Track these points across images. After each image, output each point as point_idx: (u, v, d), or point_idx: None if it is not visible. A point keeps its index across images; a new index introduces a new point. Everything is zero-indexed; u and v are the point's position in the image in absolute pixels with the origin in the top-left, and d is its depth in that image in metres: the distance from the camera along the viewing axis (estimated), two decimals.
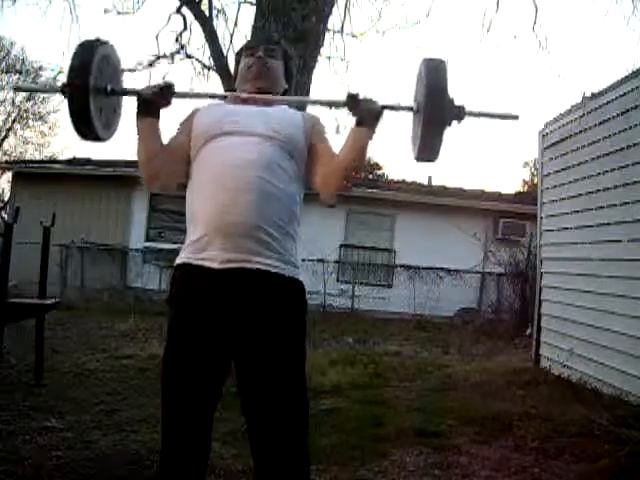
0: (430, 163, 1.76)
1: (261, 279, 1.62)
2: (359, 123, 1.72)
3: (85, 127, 1.71)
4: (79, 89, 1.65)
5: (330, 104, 1.98)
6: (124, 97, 1.87)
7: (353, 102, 1.71)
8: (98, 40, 1.75)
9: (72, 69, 1.67)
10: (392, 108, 1.76)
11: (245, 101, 1.85)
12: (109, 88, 1.75)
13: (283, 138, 1.71)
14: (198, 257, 1.64)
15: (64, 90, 1.67)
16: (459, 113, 1.66)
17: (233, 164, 1.66)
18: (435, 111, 1.62)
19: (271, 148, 1.69)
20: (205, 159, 1.72)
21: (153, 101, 1.74)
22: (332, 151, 1.80)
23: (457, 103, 1.65)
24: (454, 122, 1.66)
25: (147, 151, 1.76)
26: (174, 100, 1.77)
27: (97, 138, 1.76)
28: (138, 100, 1.75)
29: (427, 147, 1.69)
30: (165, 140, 1.80)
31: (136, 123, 1.76)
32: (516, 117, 1.76)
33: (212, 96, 1.96)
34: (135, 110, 1.77)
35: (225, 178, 1.64)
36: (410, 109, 1.76)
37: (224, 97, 2.01)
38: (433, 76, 1.64)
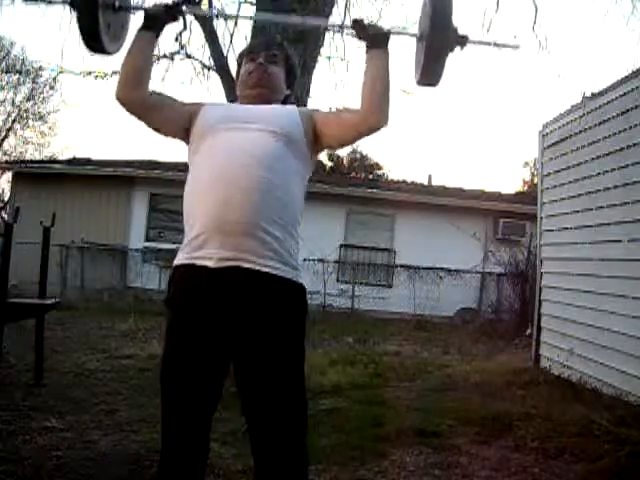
0: (431, 87, 1.78)
1: (258, 280, 1.61)
2: (370, 45, 1.74)
3: (93, 40, 1.74)
4: (88, 2, 1.68)
5: (334, 27, 2.01)
6: (131, 14, 1.91)
7: (359, 25, 1.74)
8: None
9: None
10: (397, 33, 1.80)
11: (247, 102, 1.84)
12: (117, 4, 1.79)
13: (284, 135, 1.70)
14: (194, 256, 1.63)
15: (73, 3, 1.70)
16: (462, 40, 1.69)
17: (232, 161, 1.65)
18: (438, 35, 1.66)
19: (272, 145, 1.68)
20: (204, 156, 1.71)
21: (159, 15, 1.78)
22: (345, 110, 1.81)
23: (460, 32, 1.69)
24: (457, 48, 1.70)
25: (136, 60, 1.78)
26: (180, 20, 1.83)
27: (104, 51, 1.79)
28: (145, 14, 1.79)
29: (430, 71, 1.72)
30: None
31: (135, 34, 1.80)
32: (517, 47, 1.81)
33: (222, 15, 2.02)
34: (140, 23, 1.80)
35: (224, 175, 1.63)
36: (415, 35, 1.80)
37: (240, 17, 2.07)
38: (438, 3, 1.68)
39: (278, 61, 1.91)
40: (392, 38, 1.76)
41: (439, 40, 1.67)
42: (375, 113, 1.72)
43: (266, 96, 1.85)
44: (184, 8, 1.81)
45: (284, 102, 1.93)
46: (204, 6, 6.58)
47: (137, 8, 1.87)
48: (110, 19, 1.76)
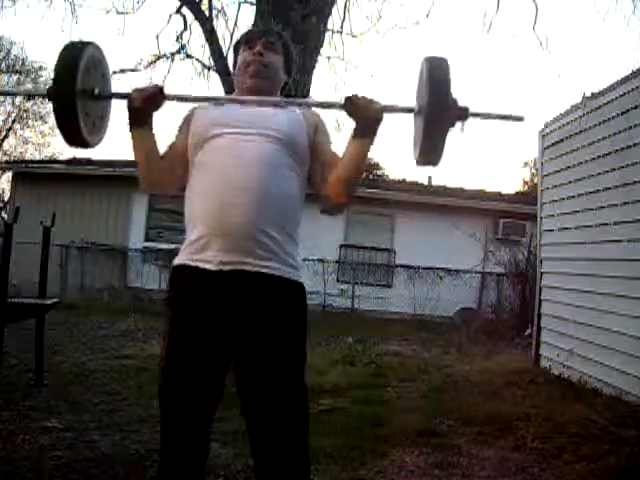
0: (432, 167, 1.68)
1: (260, 281, 1.61)
2: (357, 133, 1.67)
3: (72, 132, 1.66)
4: (65, 92, 1.60)
5: (328, 106, 1.94)
6: (112, 101, 1.81)
7: (351, 105, 1.64)
8: (84, 42, 1.70)
9: (58, 72, 1.61)
10: (392, 110, 1.69)
11: (247, 91, 1.82)
12: (96, 91, 1.69)
13: (284, 137, 1.69)
14: (195, 258, 1.63)
15: (50, 93, 1.62)
16: (463, 114, 1.58)
17: (233, 163, 1.64)
18: (438, 111, 1.54)
19: (272, 147, 1.67)
20: (204, 159, 1.70)
21: (143, 108, 1.69)
22: (336, 157, 1.76)
23: (461, 104, 1.58)
24: (458, 123, 1.59)
25: (144, 161, 1.75)
26: (166, 103, 1.72)
27: (84, 144, 1.71)
28: (128, 110, 1.70)
29: (429, 149, 1.62)
30: (164, 144, 1.79)
31: (130, 135, 1.74)
32: (521, 119, 1.69)
33: (205, 99, 1.92)
34: (126, 121, 1.73)
35: (224, 178, 1.62)
36: (411, 110, 1.69)
37: (219, 99, 1.98)
38: (435, 75, 1.56)
39: (276, 48, 1.87)
40: (388, 111, 1.67)
41: (438, 116, 1.55)
42: (338, 195, 1.74)
43: (265, 87, 1.82)
44: (167, 93, 1.69)
45: (282, 89, 1.92)
46: (204, 6, 6.60)
47: (118, 95, 1.75)
48: (90, 109, 1.67)
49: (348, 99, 1.65)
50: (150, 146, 1.75)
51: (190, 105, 1.86)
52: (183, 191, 1.76)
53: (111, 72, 1.85)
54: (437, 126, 1.56)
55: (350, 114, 1.66)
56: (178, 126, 1.82)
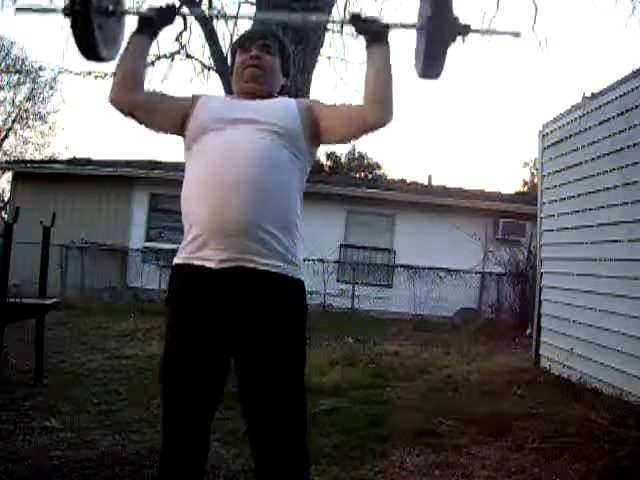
0: (433, 80, 1.73)
1: (259, 278, 1.61)
2: (369, 40, 1.72)
3: (88, 47, 1.74)
4: (81, 9, 1.67)
5: (334, 22, 1.98)
6: (126, 19, 1.90)
7: (358, 20, 1.71)
8: None
9: None
10: (397, 26, 1.76)
11: (245, 97, 1.83)
12: (111, 8, 1.78)
13: (282, 132, 1.69)
14: (195, 257, 1.63)
15: (67, 10, 1.69)
16: (463, 29, 1.65)
17: (229, 160, 1.63)
18: (439, 25, 1.62)
19: (270, 142, 1.67)
20: (200, 153, 1.69)
21: (153, 18, 1.78)
22: (344, 104, 1.78)
23: (461, 21, 1.65)
24: (458, 38, 1.66)
25: (130, 64, 1.78)
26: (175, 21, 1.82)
27: (99, 58, 1.79)
28: (139, 18, 1.79)
29: (431, 62, 1.68)
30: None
31: (130, 38, 1.80)
32: (518, 34, 1.75)
33: (217, 16, 2.00)
34: (135, 27, 1.80)
35: (220, 175, 1.62)
36: (414, 26, 1.76)
37: (234, 17, 2.04)
38: None
39: (272, 50, 1.88)
40: (393, 33, 1.73)
41: (440, 28, 1.62)
42: (380, 108, 1.69)
43: (262, 90, 1.83)
44: (180, 10, 1.82)
45: (280, 91, 1.93)
46: (204, 6, 6.60)
47: (131, 12, 1.87)
48: (104, 25, 1.76)
49: (354, 16, 1.73)
50: (143, 56, 1.82)
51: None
52: (140, 120, 1.79)
53: None
54: (438, 40, 1.64)
55: (357, 27, 1.73)
56: (183, 95, 1.86)
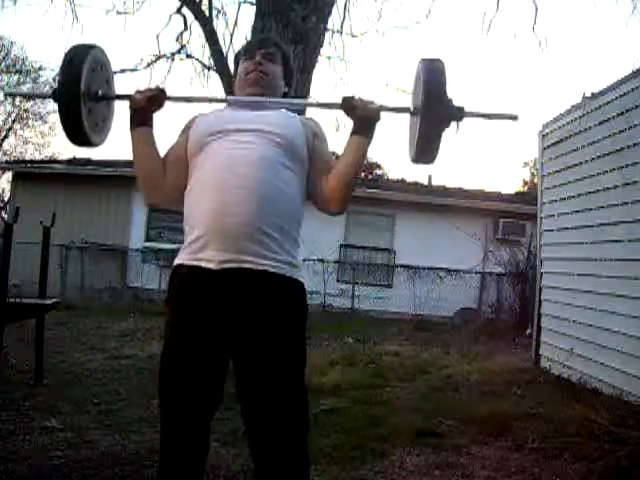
0: (428, 165, 1.74)
1: (259, 279, 1.61)
2: (356, 131, 1.71)
3: (76, 132, 1.71)
4: (70, 94, 1.65)
5: (326, 106, 1.96)
6: (116, 102, 1.87)
7: (349, 105, 1.70)
8: (89, 45, 1.74)
9: (62, 74, 1.66)
10: (389, 109, 1.73)
11: (244, 107, 1.84)
12: (100, 93, 1.75)
13: (283, 140, 1.70)
14: (195, 257, 1.64)
15: (55, 95, 1.67)
16: (458, 114, 1.62)
17: (232, 163, 1.64)
18: (433, 112, 1.59)
19: (271, 149, 1.68)
20: (203, 159, 1.70)
21: (145, 108, 1.74)
22: (334, 162, 1.78)
23: (456, 104, 1.61)
24: (453, 123, 1.63)
25: (145, 164, 1.76)
26: (167, 104, 1.76)
27: (88, 143, 1.76)
28: (130, 109, 1.75)
29: (425, 149, 1.65)
30: (163, 150, 1.80)
31: (130, 135, 1.76)
32: (515, 117, 1.72)
33: (205, 100, 1.94)
34: (128, 121, 1.76)
35: (223, 178, 1.63)
36: (408, 110, 1.73)
37: (220, 101, 2.00)
38: (431, 76, 1.60)
39: (275, 59, 1.90)
40: (384, 110, 1.70)
41: (434, 116, 1.59)
42: (335, 203, 1.76)
43: (264, 95, 1.84)
44: (168, 95, 1.75)
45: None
46: (204, 6, 6.61)
47: (120, 97, 1.82)
48: (93, 110, 1.72)
49: (345, 99, 1.70)
50: (151, 149, 1.77)
51: (192, 112, 1.88)
52: (181, 202, 1.75)
53: (113, 74, 1.89)
54: (433, 126, 1.60)
55: (348, 113, 1.72)
56: (179, 132, 1.84)
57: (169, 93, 1.75)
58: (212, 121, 1.76)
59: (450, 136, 1.64)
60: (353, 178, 1.75)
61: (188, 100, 1.85)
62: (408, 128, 1.78)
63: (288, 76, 1.96)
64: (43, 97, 1.75)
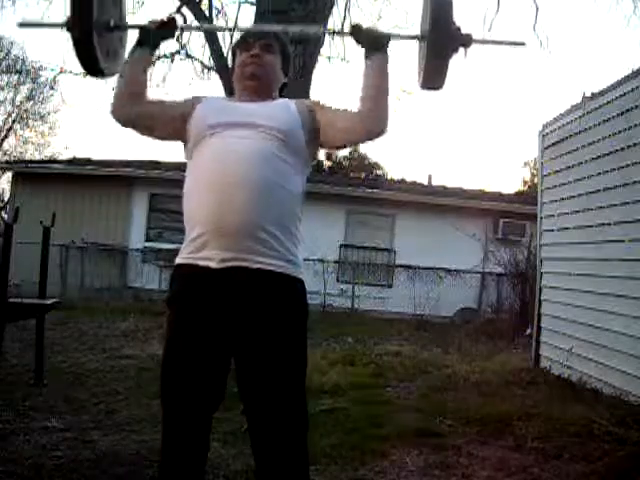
0: (436, 91, 1.73)
1: (260, 277, 1.61)
2: (369, 51, 1.71)
3: (89, 61, 1.74)
4: (82, 24, 1.68)
5: (335, 33, 1.98)
6: (128, 33, 1.92)
7: (358, 29, 1.71)
8: None
9: (74, 4, 1.69)
10: (398, 36, 1.75)
11: (244, 99, 1.83)
12: (112, 23, 1.79)
13: (282, 133, 1.69)
14: (196, 256, 1.64)
15: (68, 25, 1.70)
16: (465, 39, 1.64)
17: (229, 161, 1.64)
18: (441, 35, 1.60)
19: (270, 144, 1.67)
20: (202, 156, 1.70)
21: (155, 32, 1.80)
22: (345, 108, 1.77)
23: (463, 31, 1.63)
24: (461, 49, 1.64)
25: (131, 77, 1.79)
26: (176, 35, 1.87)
27: (101, 72, 1.80)
28: (140, 31, 1.80)
29: (433, 73, 1.66)
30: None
31: (131, 49, 1.81)
32: (522, 44, 1.74)
33: (215, 29, 1.99)
34: (136, 40, 1.80)
35: (221, 176, 1.62)
36: (416, 37, 1.75)
37: (229, 30, 2.05)
38: (438, 2, 1.62)
39: (273, 49, 1.88)
40: (392, 42, 1.72)
41: (441, 39, 1.60)
42: (374, 120, 1.71)
43: (262, 88, 1.83)
44: (178, 24, 1.83)
45: (281, 90, 1.93)
46: (204, 6, 6.61)
47: (133, 26, 1.87)
48: (106, 39, 1.76)
49: (354, 25, 1.73)
50: (143, 69, 1.82)
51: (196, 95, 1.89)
52: (142, 132, 1.80)
53: (125, 6, 1.95)
54: (440, 49, 1.62)
55: (358, 39, 1.72)
56: (184, 98, 1.86)
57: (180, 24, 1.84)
58: (213, 112, 1.76)
59: (459, 61, 1.65)
60: (385, 92, 1.70)
61: (198, 29, 1.91)
62: (417, 56, 1.79)
63: (286, 66, 1.94)
64: (56, 26, 1.78)
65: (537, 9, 7.16)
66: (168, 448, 1.67)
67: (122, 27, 1.86)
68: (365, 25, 1.73)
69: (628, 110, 4.63)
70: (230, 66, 2.01)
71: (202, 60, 7.36)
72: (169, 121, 1.80)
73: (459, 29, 1.62)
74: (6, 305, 4.00)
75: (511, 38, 1.77)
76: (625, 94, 4.71)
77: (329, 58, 7.30)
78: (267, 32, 1.97)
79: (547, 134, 6.16)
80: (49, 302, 4.65)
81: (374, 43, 1.70)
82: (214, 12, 6.75)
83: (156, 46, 1.85)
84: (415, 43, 1.79)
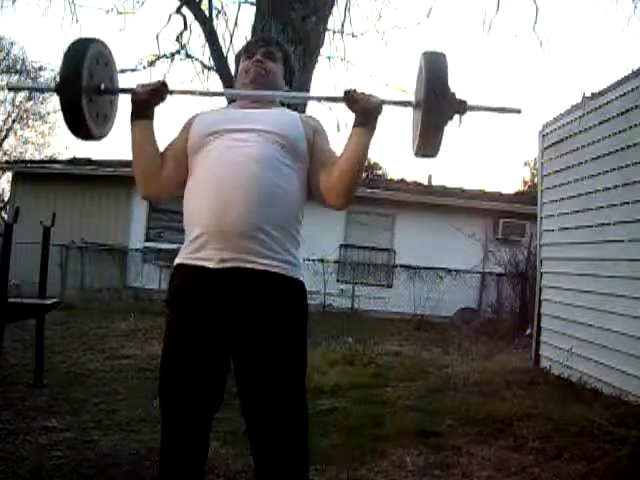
0: (430, 159, 1.71)
1: (259, 278, 1.61)
2: (358, 123, 1.70)
3: (78, 126, 1.71)
4: (71, 88, 1.65)
5: (328, 100, 1.96)
6: (118, 96, 1.87)
7: (351, 97, 1.69)
8: (91, 38, 1.75)
9: (64, 68, 1.67)
10: (391, 103, 1.73)
11: (245, 106, 1.84)
12: (102, 87, 1.75)
13: (282, 139, 1.70)
14: (195, 257, 1.64)
15: (57, 89, 1.67)
16: (461, 107, 1.62)
17: (231, 162, 1.64)
18: (435, 104, 1.58)
19: (271, 146, 1.68)
20: (202, 158, 1.70)
21: (147, 100, 1.74)
22: (336, 156, 1.76)
23: (459, 97, 1.61)
24: (456, 116, 1.62)
25: (143, 156, 1.76)
26: (169, 98, 1.77)
27: (91, 137, 1.76)
28: (132, 101, 1.75)
29: (427, 142, 1.64)
30: (162, 146, 1.80)
31: (130, 128, 1.76)
32: (518, 111, 1.71)
33: (207, 94, 1.95)
34: (129, 113, 1.76)
35: (221, 176, 1.63)
36: (410, 103, 1.73)
37: (221, 94, 2.01)
38: (433, 69, 1.60)
39: (276, 58, 1.89)
40: (387, 103, 1.70)
41: (436, 109, 1.58)
42: (339, 197, 1.73)
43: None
44: (170, 88, 1.76)
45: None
46: (204, 6, 6.60)
47: (123, 90, 1.82)
48: (95, 103, 1.73)
49: (347, 92, 1.70)
50: (151, 143, 1.77)
51: (193, 108, 1.89)
52: (178, 192, 1.76)
53: (116, 68, 1.89)
54: (435, 119, 1.59)
55: (350, 107, 1.71)
56: (180, 129, 1.83)
57: (171, 87, 1.76)
58: (212, 120, 1.76)
59: (453, 130, 1.63)
60: (357, 171, 1.71)
61: (190, 93, 1.86)
62: (411, 122, 1.77)
63: (289, 76, 1.95)
64: (45, 90, 1.75)
65: (537, 9, 7.15)
66: (168, 448, 1.67)
67: (113, 91, 1.82)
68: (359, 91, 1.69)
69: (628, 110, 4.63)
70: (233, 73, 2.01)
71: (202, 60, 7.35)
72: (182, 165, 1.76)
73: (454, 95, 1.60)
74: (6, 305, 4.00)
75: (507, 104, 1.73)
76: (625, 94, 4.71)
77: (329, 58, 7.29)
78: (270, 39, 1.98)
79: (547, 134, 6.16)
80: (49, 302, 4.65)
81: (364, 117, 1.69)
82: (214, 12, 6.74)
83: (152, 114, 1.77)
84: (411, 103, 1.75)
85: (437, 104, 1.58)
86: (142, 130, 1.76)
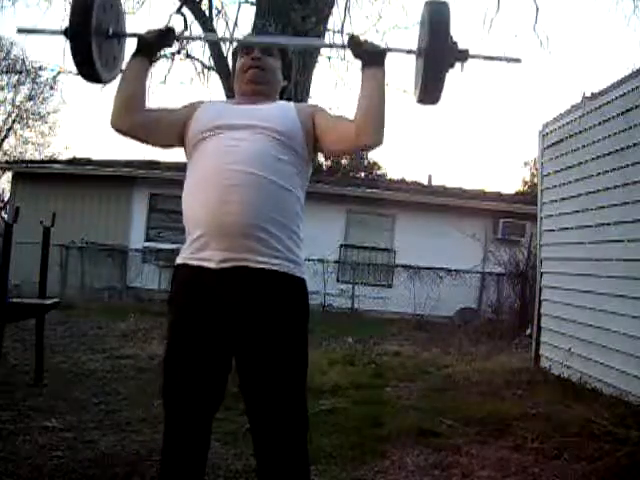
0: (432, 105, 1.73)
1: (260, 277, 1.61)
2: (365, 64, 1.71)
3: (87, 68, 1.75)
4: (81, 31, 1.69)
5: (332, 46, 1.97)
6: (126, 39, 1.92)
7: (355, 43, 1.72)
8: None
9: (74, 11, 1.70)
10: (395, 50, 1.76)
11: (242, 102, 1.84)
12: (111, 31, 1.80)
13: (280, 134, 1.70)
14: (196, 257, 1.64)
15: (67, 32, 1.71)
16: (462, 54, 1.65)
17: (228, 162, 1.64)
18: (438, 51, 1.62)
19: (268, 144, 1.68)
20: (201, 156, 1.71)
21: (153, 42, 1.81)
22: (344, 117, 1.77)
23: (460, 46, 1.65)
24: (457, 64, 1.66)
25: (130, 87, 1.78)
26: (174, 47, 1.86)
27: (99, 79, 1.81)
28: (138, 41, 1.80)
29: (429, 88, 1.68)
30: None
31: (130, 58, 1.81)
32: (518, 60, 1.75)
33: (213, 39, 2.00)
34: (134, 49, 1.81)
35: (221, 175, 1.63)
36: (413, 52, 1.76)
37: (229, 40, 2.05)
38: (436, 17, 1.64)
39: (273, 52, 1.89)
40: (390, 56, 1.72)
41: (438, 55, 1.62)
42: (369, 134, 1.69)
43: (262, 92, 1.84)
44: (176, 33, 1.84)
45: (282, 93, 1.94)
46: (204, 6, 6.60)
47: (131, 35, 1.88)
48: (104, 47, 1.77)
49: (352, 37, 1.74)
50: (142, 75, 1.81)
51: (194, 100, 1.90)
52: (143, 141, 1.80)
53: (124, 13, 1.95)
54: (437, 65, 1.64)
55: (355, 51, 1.73)
56: (184, 104, 1.86)
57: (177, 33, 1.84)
58: (212, 115, 1.76)
59: (455, 76, 1.66)
60: (379, 105, 1.68)
61: (197, 39, 1.91)
62: (414, 70, 1.80)
63: (287, 70, 1.95)
64: (55, 33, 1.79)
65: (537, 9, 7.15)
66: (169, 448, 1.67)
67: (120, 35, 1.88)
68: (362, 38, 1.74)
69: (628, 110, 4.63)
70: (231, 69, 2.01)
71: (202, 60, 7.35)
72: (169, 126, 1.80)
73: (456, 44, 1.64)
74: (6, 305, 4.00)
75: (508, 54, 1.78)
76: (625, 94, 4.71)
77: (329, 58, 7.29)
78: (267, 34, 1.98)
79: (547, 134, 6.16)
80: (49, 302, 4.65)
81: (371, 57, 1.70)
82: (214, 12, 6.74)
83: (154, 55, 1.87)
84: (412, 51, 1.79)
85: (439, 51, 1.62)
86: (139, 65, 1.81)
